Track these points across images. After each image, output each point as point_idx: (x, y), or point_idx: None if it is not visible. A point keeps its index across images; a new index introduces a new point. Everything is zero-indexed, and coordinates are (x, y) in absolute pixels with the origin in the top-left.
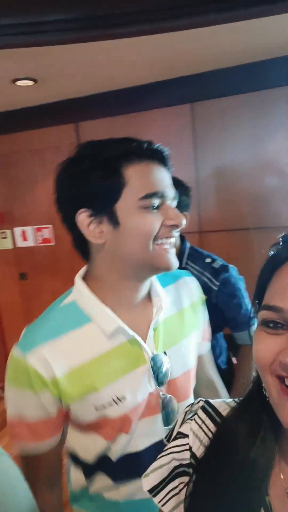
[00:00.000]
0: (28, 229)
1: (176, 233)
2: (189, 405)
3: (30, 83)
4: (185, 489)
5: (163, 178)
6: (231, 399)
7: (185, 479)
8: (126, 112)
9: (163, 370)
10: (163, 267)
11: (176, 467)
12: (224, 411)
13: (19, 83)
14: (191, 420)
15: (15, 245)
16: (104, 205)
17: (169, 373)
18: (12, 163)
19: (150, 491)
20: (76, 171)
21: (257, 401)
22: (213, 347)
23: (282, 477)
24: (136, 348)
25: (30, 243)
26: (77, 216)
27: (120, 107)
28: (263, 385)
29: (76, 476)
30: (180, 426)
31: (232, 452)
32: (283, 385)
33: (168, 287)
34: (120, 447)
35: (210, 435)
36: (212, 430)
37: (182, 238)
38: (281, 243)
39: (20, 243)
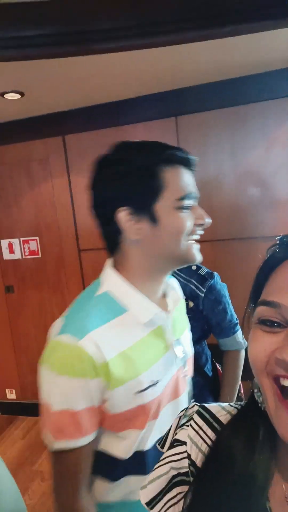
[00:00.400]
0: (15, 241)
1: (201, 231)
2: (183, 410)
3: (17, 96)
4: (183, 499)
5: (192, 181)
6: (226, 403)
7: (184, 488)
8: (112, 125)
9: (183, 354)
10: (191, 260)
11: (174, 476)
12: (221, 416)
13: (7, 96)
14: (187, 426)
15: (1, 257)
16: (144, 205)
17: (187, 356)
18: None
19: (148, 503)
20: (117, 172)
21: (253, 411)
22: (200, 355)
23: (283, 486)
24: (162, 335)
25: (17, 255)
26: (117, 214)
27: (106, 120)
28: (256, 393)
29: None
30: (175, 432)
31: (230, 464)
32: (279, 391)
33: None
34: (150, 434)
35: (209, 442)
36: (210, 436)
37: None
38: (278, 245)
39: (7, 256)
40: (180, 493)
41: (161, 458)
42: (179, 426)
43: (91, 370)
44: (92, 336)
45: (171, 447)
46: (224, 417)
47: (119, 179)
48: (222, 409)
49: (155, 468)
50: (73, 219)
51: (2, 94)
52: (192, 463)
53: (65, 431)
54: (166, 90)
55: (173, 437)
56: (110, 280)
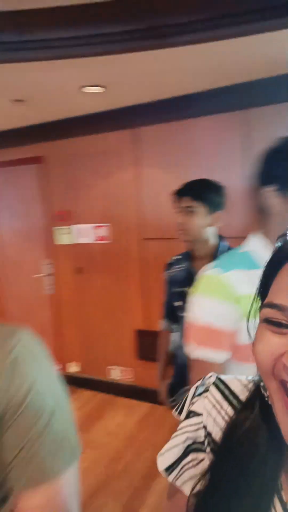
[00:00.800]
0: (88, 227)
1: None
2: (200, 379)
3: (96, 90)
4: (199, 464)
5: None
6: (243, 376)
7: (199, 455)
8: (180, 118)
9: None
10: None
11: (189, 445)
12: (237, 390)
13: (86, 89)
14: (204, 397)
15: (74, 241)
16: None
17: None
18: (77, 165)
19: (165, 470)
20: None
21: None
22: None
23: None
24: None
25: (88, 240)
26: (265, 191)
27: (175, 113)
28: (263, 385)
29: None
30: (191, 402)
31: (247, 443)
32: (286, 397)
33: None
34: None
35: (225, 416)
36: (226, 410)
37: (220, 237)
38: (283, 241)
39: (79, 239)
40: (195, 459)
41: (178, 428)
42: (196, 395)
43: (231, 296)
44: (234, 273)
45: (187, 417)
46: (239, 390)
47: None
48: (238, 382)
49: (172, 438)
50: (139, 209)
51: (81, 88)
52: (208, 434)
53: (205, 341)
54: (235, 83)
55: (189, 406)
56: (252, 243)
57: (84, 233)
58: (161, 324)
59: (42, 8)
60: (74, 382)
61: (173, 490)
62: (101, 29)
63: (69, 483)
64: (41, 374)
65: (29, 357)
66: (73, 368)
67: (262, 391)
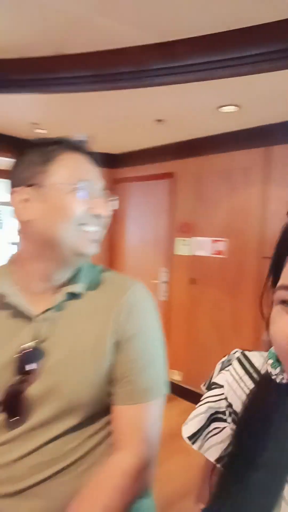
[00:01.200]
0: (206, 240)
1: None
2: (227, 355)
3: (231, 109)
4: (221, 432)
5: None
6: (266, 352)
7: (221, 424)
8: None
9: None
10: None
11: (212, 414)
12: (258, 362)
13: (222, 109)
14: (227, 370)
15: (192, 252)
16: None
17: None
18: (203, 182)
19: (189, 438)
20: None
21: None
22: None
23: None
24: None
25: (205, 252)
26: None
27: None
28: (272, 364)
29: None
30: (215, 374)
31: (264, 418)
32: None
33: None
34: None
35: (246, 390)
36: (247, 384)
37: None
38: None
39: (196, 251)
40: (217, 427)
41: (201, 398)
42: (221, 369)
43: None
44: None
45: (209, 389)
46: (260, 364)
47: None
48: (261, 357)
49: (196, 407)
50: (262, 227)
51: (218, 108)
52: (229, 405)
53: None
54: None
55: (211, 379)
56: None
57: (202, 246)
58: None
59: (184, 38)
60: (174, 390)
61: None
62: (240, 52)
63: (155, 412)
64: (151, 321)
65: (143, 304)
66: (176, 376)
67: (269, 369)
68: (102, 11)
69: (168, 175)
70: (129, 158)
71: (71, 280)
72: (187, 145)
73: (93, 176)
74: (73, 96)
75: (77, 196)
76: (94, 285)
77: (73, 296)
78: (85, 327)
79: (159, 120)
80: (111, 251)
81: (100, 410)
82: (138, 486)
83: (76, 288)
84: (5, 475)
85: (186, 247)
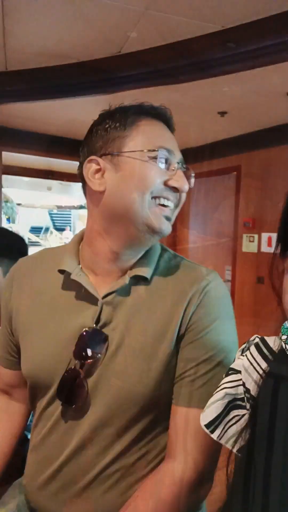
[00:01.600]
0: (275, 236)
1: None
2: (246, 342)
3: None
4: (241, 420)
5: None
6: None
7: (240, 411)
8: None
9: None
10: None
11: (230, 402)
12: (273, 343)
13: None
14: (243, 356)
15: (259, 249)
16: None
17: None
18: (271, 175)
19: (207, 426)
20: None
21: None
22: None
23: None
24: None
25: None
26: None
27: None
28: (286, 340)
29: None
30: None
31: (278, 399)
32: None
33: None
34: None
35: (262, 373)
36: (262, 366)
37: None
38: None
39: (265, 248)
40: (236, 415)
41: (219, 385)
42: (239, 356)
43: None
44: None
45: (226, 375)
46: (276, 345)
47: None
48: (278, 339)
49: (213, 394)
50: None
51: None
52: (247, 391)
53: None
54: None
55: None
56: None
57: (271, 242)
58: None
59: (245, 23)
60: None
61: None
62: None
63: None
64: (224, 315)
65: (217, 296)
66: None
67: (284, 344)
68: (158, 5)
69: (232, 169)
70: (191, 154)
71: (139, 263)
72: (253, 137)
73: (173, 146)
74: (133, 93)
75: (157, 164)
76: (163, 270)
77: (140, 280)
78: (151, 315)
79: (223, 113)
80: (173, 249)
81: (161, 410)
82: (189, 500)
83: (143, 271)
84: (59, 474)
85: (253, 243)
